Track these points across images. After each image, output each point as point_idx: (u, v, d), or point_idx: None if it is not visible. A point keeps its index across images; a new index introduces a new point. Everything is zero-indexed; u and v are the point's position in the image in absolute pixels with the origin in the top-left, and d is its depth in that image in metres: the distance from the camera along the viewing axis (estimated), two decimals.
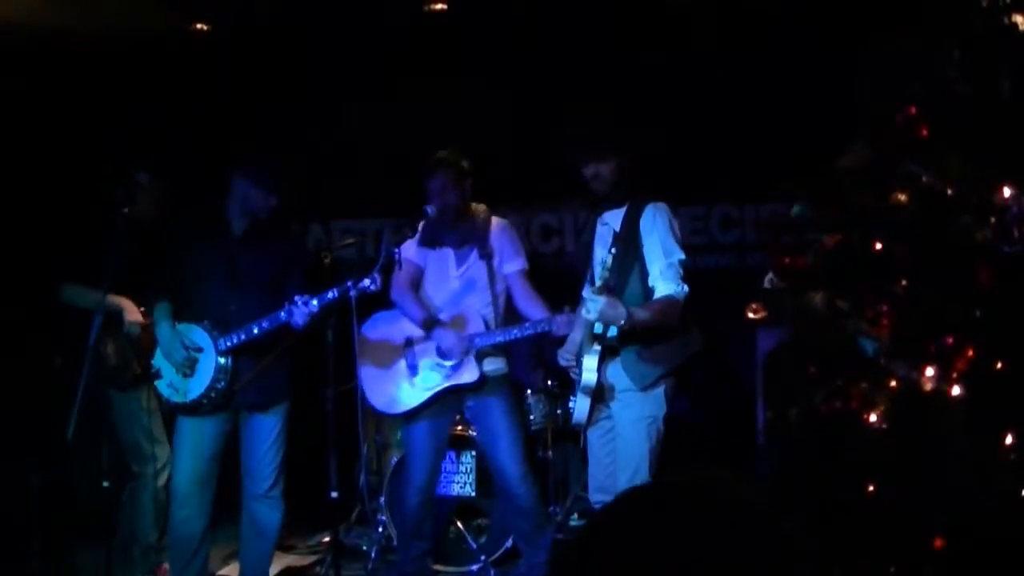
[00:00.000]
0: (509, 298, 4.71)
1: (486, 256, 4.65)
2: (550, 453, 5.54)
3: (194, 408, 4.33)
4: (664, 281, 4.01)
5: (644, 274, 4.08)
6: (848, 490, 2.84)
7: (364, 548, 5.45)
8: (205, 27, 6.03)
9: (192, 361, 4.30)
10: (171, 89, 6.19)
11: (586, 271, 4.36)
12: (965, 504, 2.67)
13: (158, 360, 4.39)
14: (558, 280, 4.98)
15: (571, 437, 5.41)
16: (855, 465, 2.83)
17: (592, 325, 3.99)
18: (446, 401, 4.66)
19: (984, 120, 2.88)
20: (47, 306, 4.93)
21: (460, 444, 5.28)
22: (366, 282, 4.12)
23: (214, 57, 6.21)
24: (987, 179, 2.81)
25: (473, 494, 5.29)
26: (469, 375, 4.55)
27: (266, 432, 4.42)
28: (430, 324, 4.57)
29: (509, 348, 4.71)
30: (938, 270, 2.86)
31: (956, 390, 2.74)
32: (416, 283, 4.71)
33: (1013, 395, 2.71)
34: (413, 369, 4.67)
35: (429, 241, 4.67)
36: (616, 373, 4.08)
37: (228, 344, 4.28)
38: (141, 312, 4.76)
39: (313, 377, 4.62)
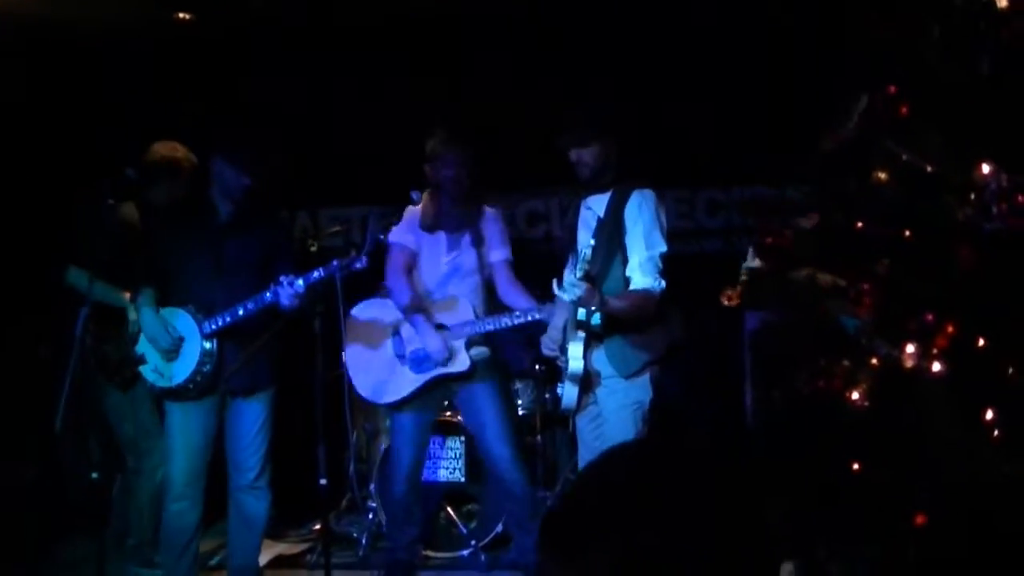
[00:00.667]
0: (491, 287, 4.71)
1: (477, 243, 4.64)
2: (539, 438, 5.55)
3: (180, 393, 4.30)
4: (642, 274, 4.00)
5: (626, 263, 4.07)
6: (832, 468, 2.86)
7: (355, 535, 5.46)
8: (188, 16, 5.99)
9: (177, 346, 4.29)
10: (154, 79, 6.16)
11: (569, 254, 4.36)
12: (947, 480, 2.69)
13: (142, 346, 4.38)
14: (545, 265, 4.97)
15: (560, 422, 5.41)
16: (838, 443, 2.85)
17: (576, 312, 4.00)
18: (435, 390, 4.66)
19: (963, 98, 2.88)
20: (50, 283, 4.89)
21: (448, 430, 5.28)
22: (354, 262, 4.10)
23: (197, 46, 6.19)
24: (967, 157, 2.82)
25: (463, 480, 5.29)
26: (460, 364, 4.54)
27: (251, 421, 4.40)
28: (412, 310, 4.56)
29: (494, 333, 4.70)
30: (919, 248, 2.87)
31: (937, 367, 2.75)
32: (410, 268, 4.69)
33: (993, 371, 2.72)
34: (401, 358, 4.66)
35: (429, 223, 4.66)
36: (601, 360, 4.08)
37: (213, 327, 4.25)
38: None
39: (300, 365, 4.62)
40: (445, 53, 6.19)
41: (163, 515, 4.44)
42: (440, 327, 4.55)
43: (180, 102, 6.19)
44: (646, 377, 4.09)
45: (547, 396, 5.53)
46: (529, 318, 4.43)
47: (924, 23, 2.95)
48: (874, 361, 2.85)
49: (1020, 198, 2.75)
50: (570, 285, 3.76)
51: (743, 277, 3.41)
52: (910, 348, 2.78)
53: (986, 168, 2.77)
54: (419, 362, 4.60)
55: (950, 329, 2.77)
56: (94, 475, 4.54)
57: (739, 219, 6.27)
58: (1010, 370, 2.73)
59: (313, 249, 4.89)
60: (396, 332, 4.69)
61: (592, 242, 3.92)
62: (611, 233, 4.07)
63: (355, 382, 4.65)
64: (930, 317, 2.80)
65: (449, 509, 5.26)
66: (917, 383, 2.76)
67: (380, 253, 4.44)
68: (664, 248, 4.05)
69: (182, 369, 4.29)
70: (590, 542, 1.17)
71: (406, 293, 4.59)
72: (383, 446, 5.35)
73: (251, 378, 4.38)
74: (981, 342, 2.77)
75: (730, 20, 5.77)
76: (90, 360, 4.66)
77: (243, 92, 6.30)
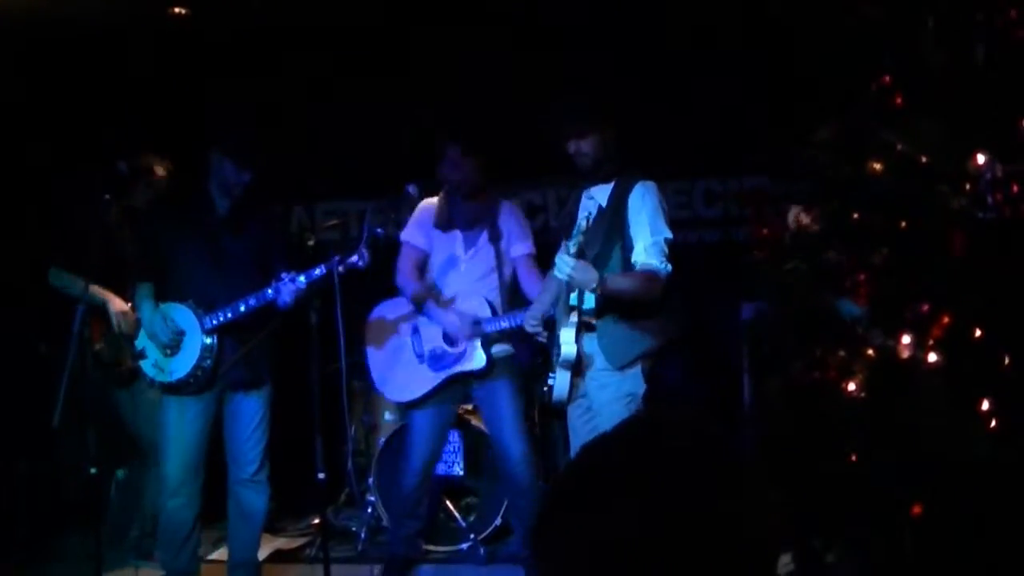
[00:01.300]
0: (515, 282, 4.68)
1: (495, 239, 4.62)
2: (537, 430, 5.54)
3: (180, 387, 4.30)
4: (647, 256, 3.94)
5: (628, 251, 4.01)
6: (828, 459, 2.86)
7: (353, 529, 5.46)
8: (183, 11, 5.98)
9: (176, 341, 4.29)
10: (149, 75, 6.14)
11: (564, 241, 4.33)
12: (943, 470, 2.69)
13: (141, 340, 4.38)
14: (543, 255, 4.97)
15: (559, 414, 5.41)
16: (834, 433, 2.85)
17: (568, 296, 3.97)
18: (453, 387, 4.66)
19: (958, 87, 2.88)
20: (34, 285, 4.91)
21: None
22: (353, 258, 4.08)
23: (193, 41, 6.17)
24: (962, 146, 2.82)
25: (461, 473, 5.29)
26: (477, 361, 4.54)
27: (250, 415, 4.40)
28: (421, 299, 4.55)
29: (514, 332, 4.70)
30: (914, 238, 2.87)
31: (933, 357, 2.75)
32: (420, 268, 4.68)
33: (989, 361, 2.72)
34: (420, 357, 4.66)
35: (443, 222, 4.64)
36: (593, 347, 4.05)
37: (214, 322, 4.26)
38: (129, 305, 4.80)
39: (298, 359, 4.62)
40: (441, 45, 6.17)
41: (161, 510, 4.45)
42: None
43: (176, 97, 6.19)
44: (638, 369, 4.03)
45: (544, 388, 5.52)
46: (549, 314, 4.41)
47: (918, 12, 2.95)
48: (870, 351, 2.85)
49: (1015, 187, 2.75)
50: (562, 262, 3.72)
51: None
52: (906, 338, 2.78)
53: (981, 158, 2.77)
54: (437, 360, 4.60)
55: (946, 319, 2.77)
56: (92, 470, 4.54)
57: (737, 209, 6.26)
58: (1006, 360, 2.73)
59: (310, 243, 4.89)
60: (415, 331, 4.69)
61: (586, 222, 3.84)
62: (612, 221, 4.04)
63: (376, 382, 4.70)
64: (926, 307, 2.80)
65: (448, 503, 5.26)
66: (913, 373, 2.76)
67: (379, 249, 4.44)
68: (669, 235, 3.99)
69: (182, 364, 4.29)
70: (586, 517, 1.18)
71: (417, 287, 4.60)
72: (382, 440, 5.35)
73: (251, 372, 4.39)
74: (977, 332, 2.77)
75: (727, 10, 5.75)
76: (88, 357, 4.67)
77: (239, 86, 6.29)
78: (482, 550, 5.07)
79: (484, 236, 4.62)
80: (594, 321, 4.01)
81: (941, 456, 2.69)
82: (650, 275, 3.93)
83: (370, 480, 5.37)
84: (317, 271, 4.09)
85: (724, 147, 6.03)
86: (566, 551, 1.18)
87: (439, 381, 4.60)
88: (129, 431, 5.03)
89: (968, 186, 2.79)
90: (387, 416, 5.58)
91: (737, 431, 4.66)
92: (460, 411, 5.09)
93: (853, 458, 2.86)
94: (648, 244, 3.97)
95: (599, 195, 4.15)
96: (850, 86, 3.05)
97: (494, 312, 4.57)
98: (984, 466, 2.68)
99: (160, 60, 6.15)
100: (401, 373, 4.69)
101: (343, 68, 6.30)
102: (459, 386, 4.68)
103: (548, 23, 6.00)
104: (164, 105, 6.17)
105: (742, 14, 5.67)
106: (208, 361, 4.28)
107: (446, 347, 4.58)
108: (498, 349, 4.61)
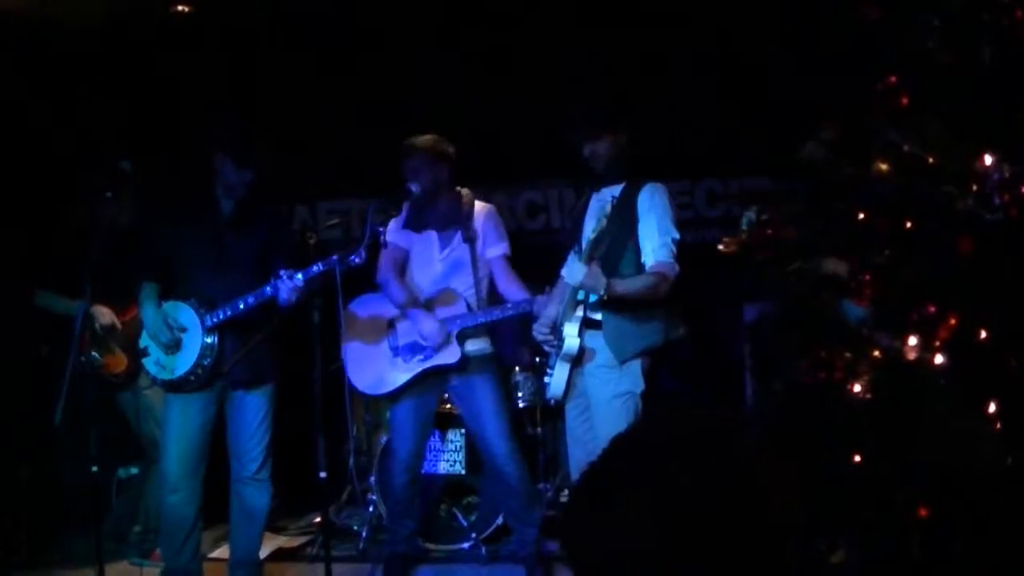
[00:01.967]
0: (492, 282, 4.74)
1: (469, 240, 4.68)
2: (539, 430, 5.54)
3: (180, 385, 4.33)
4: (656, 258, 4.02)
5: (638, 252, 4.07)
6: (833, 461, 2.84)
7: (355, 528, 5.46)
8: (186, 8, 5.96)
9: (178, 340, 4.30)
10: (151, 73, 6.13)
11: (574, 245, 4.35)
12: (949, 473, 2.68)
13: (144, 339, 4.39)
14: (544, 256, 4.96)
15: (560, 414, 5.41)
16: (840, 436, 2.84)
17: (575, 292, 4.00)
18: (429, 381, 4.68)
19: (964, 88, 2.87)
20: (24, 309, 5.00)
21: (448, 422, 5.28)
22: (352, 257, 4.11)
23: (195, 39, 6.16)
24: (968, 147, 2.81)
25: (463, 472, 5.29)
26: (450, 355, 4.58)
27: (252, 413, 4.41)
28: (408, 305, 4.62)
29: (495, 328, 4.73)
30: (920, 239, 2.85)
31: (939, 359, 2.74)
32: (401, 266, 4.74)
33: (995, 363, 2.71)
34: (395, 350, 4.69)
35: (414, 224, 4.69)
36: (596, 343, 4.07)
37: (214, 321, 4.28)
38: (115, 311, 4.94)
39: (300, 358, 4.61)
40: (443, 45, 6.16)
41: (162, 507, 4.45)
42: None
43: (178, 96, 6.18)
44: (637, 367, 4.07)
45: (543, 385, 5.53)
46: (520, 310, 4.49)
47: (924, 12, 2.93)
48: (876, 353, 2.84)
49: (1022, 188, 2.73)
50: (574, 268, 3.81)
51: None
52: (912, 340, 2.77)
53: (988, 159, 2.76)
54: (412, 353, 4.62)
55: (952, 321, 2.75)
56: (93, 468, 4.55)
57: (738, 209, 6.24)
58: (1012, 362, 2.72)
59: (312, 242, 4.88)
60: (391, 326, 4.71)
61: (606, 217, 3.90)
62: (623, 222, 4.07)
63: (351, 376, 4.66)
64: (932, 308, 2.79)
65: (449, 502, 5.26)
66: (919, 375, 2.75)
67: (378, 247, 4.44)
68: (677, 235, 4.08)
69: (183, 362, 4.31)
70: (623, 494, 1.21)
71: (400, 290, 4.66)
72: (383, 439, 5.34)
73: (253, 371, 4.39)
74: (983, 334, 2.76)
75: (729, 11, 5.74)
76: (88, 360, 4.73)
77: (241, 85, 6.28)
78: (483, 549, 5.07)
79: (458, 236, 4.70)
80: (599, 316, 4.03)
81: (947, 458, 2.67)
82: (658, 276, 3.99)
83: (372, 479, 5.36)
84: (315, 268, 4.11)
85: (726, 147, 6.03)
86: (592, 544, 1.21)
87: (414, 374, 4.63)
88: (131, 430, 5.06)
89: (975, 187, 2.77)
90: (389, 415, 5.57)
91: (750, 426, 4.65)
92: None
93: (858, 459, 2.85)
94: (656, 245, 4.03)
95: (609, 196, 4.17)
96: (856, 86, 3.03)
97: (470, 310, 4.62)
98: (990, 468, 2.67)
99: (161, 57, 6.14)
100: (375, 367, 4.72)
101: (346, 65, 6.29)
102: (436, 379, 4.71)
103: (552, 25, 5.99)
104: (164, 102, 6.17)
105: (746, 13, 5.67)
106: (208, 360, 4.29)
107: (420, 342, 4.60)
108: (477, 347, 4.66)
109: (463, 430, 5.24)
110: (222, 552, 5.03)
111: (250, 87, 6.28)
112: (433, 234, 4.71)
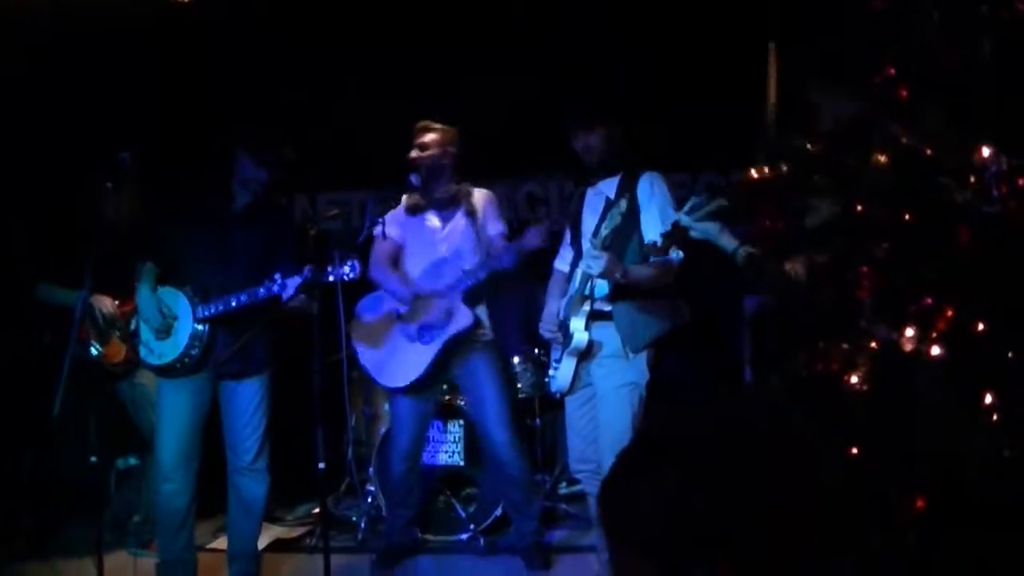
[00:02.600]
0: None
1: (470, 214, 4.70)
2: (538, 421, 5.56)
3: (167, 370, 4.37)
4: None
5: (642, 241, 4.07)
6: (831, 453, 2.84)
7: (354, 519, 5.48)
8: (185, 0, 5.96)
9: (168, 326, 4.33)
10: (151, 65, 6.13)
11: (570, 238, 4.35)
12: (946, 465, 2.68)
13: (136, 321, 4.43)
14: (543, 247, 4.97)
15: (559, 405, 5.42)
16: (837, 428, 2.83)
17: (583, 285, 4.01)
18: (450, 357, 4.71)
19: (963, 80, 2.86)
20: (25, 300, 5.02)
21: (448, 413, 5.29)
22: (344, 269, 4.10)
23: (195, 31, 6.15)
24: (966, 139, 2.80)
25: (462, 463, 5.30)
26: (463, 319, 4.61)
27: (246, 403, 4.42)
28: (407, 298, 4.66)
29: (497, 321, 4.73)
30: (918, 231, 2.85)
31: (936, 350, 2.74)
32: (394, 260, 4.74)
33: (993, 355, 2.71)
34: (411, 337, 4.71)
35: (413, 208, 4.69)
36: (606, 334, 4.08)
37: (205, 313, 4.32)
38: (116, 301, 4.96)
39: (299, 349, 4.62)
40: (443, 37, 6.16)
41: (156, 497, 4.46)
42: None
43: (177, 88, 6.18)
44: (643, 357, 4.09)
45: (547, 379, 5.53)
46: (512, 252, 4.46)
47: (924, 4, 2.93)
48: (873, 344, 2.83)
49: (1020, 181, 2.73)
50: (590, 256, 3.82)
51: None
52: (909, 331, 2.77)
53: (986, 151, 2.75)
54: (427, 332, 4.63)
55: (949, 313, 2.75)
56: (93, 459, 4.56)
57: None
58: (1010, 354, 2.72)
59: (312, 233, 4.89)
60: (400, 318, 4.72)
61: (620, 205, 3.95)
62: (624, 213, 4.07)
63: (380, 379, 4.74)
64: (929, 300, 2.78)
65: (448, 493, 5.27)
66: (916, 366, 2.74)
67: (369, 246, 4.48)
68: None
69: (171, 349, 4.35)
70: (665, 464, 1.26)
71: (397, 280, 4.69)
72: (382, 429, 5.36)
73: (242, 362, 4.41)
74: (980, 326, 2.76)
75: (728, 2, 5.74)
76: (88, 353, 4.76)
77: (241, 76, 6.28)
78: (481, 540, 5.08)
79: (460, 211, 4.72)
80: (608, 307, 4.03)
81: (944, 450, 2.67)
82: (665, 264, 4.01)
83: (370, 470, 5.38)
84: (306, 274, 4.10)
85: (726, 140, 6.01)
86: (631, 516, 1.25)
87: (436, 351, 4.64)
88: (130, 420, 5.08)
89: (973, 179, 2.76)
90: (387, 406, 5.57)
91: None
92: (461, 402, 5.10)
93: (855, 451, 2.85)
94: (660, 233, 4.01)
95: (606, 188, 4.19)
96: (855, 77, 3.02)
97: (464, 272, 4.64)
98: (987, 460, 2.67)
99: (161, 51, 6.14)
100: (399, 360, 4.72)
101: (345, 57, 6.29)
102: (456, 353, 4.73)
103: (550, 16, 5.99)
104: (166, 97, 6.16)
105: (745, 5, 5.66)
106: (195, 349, 4.34)
107: (431, 320, 4.63)
108: (484, 313, 4.70)
109: (463, 421, 5.25)
110: (220, 543, 5.05)
111: (251, 78, 6.28)
112: (432, 214, 4.74)
